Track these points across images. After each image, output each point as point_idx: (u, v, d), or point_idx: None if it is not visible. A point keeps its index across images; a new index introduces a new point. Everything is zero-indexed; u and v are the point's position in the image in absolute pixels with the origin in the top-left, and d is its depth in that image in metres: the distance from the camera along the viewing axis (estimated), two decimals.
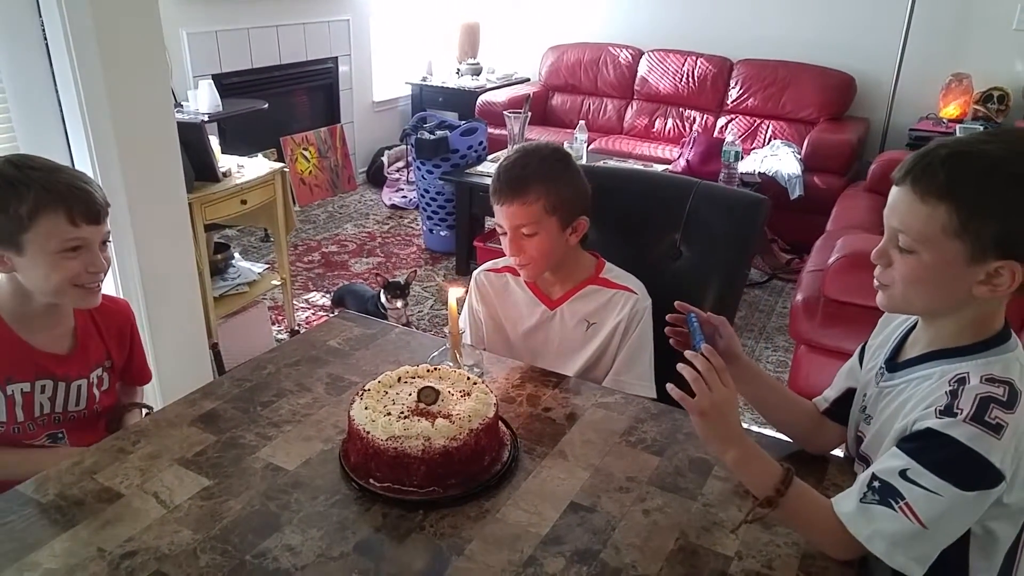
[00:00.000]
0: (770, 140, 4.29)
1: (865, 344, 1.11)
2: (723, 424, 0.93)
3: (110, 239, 1.27)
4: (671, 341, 1.09)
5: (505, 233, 1.42)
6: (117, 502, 1.00)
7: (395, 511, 1.00)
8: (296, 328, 3.07)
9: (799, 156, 3.90)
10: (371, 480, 1.02)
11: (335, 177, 4.79)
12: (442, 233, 3.90)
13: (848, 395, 1.10)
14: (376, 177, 4.97)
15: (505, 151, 3.81)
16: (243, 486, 1.04)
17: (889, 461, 0.86)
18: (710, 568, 0.92)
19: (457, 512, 1.00)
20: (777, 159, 3.84)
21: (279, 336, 3.05)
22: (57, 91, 1.91)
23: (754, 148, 4.21)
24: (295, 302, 3.23)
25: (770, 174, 3.73)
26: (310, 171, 4.61)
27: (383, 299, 2.95)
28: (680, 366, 0.95)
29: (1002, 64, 3.95)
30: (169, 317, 2.16)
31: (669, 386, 0.93)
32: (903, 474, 0.84)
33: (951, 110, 3.97)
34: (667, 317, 1.08)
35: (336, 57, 4.71)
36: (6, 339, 1.23)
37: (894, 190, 0.90)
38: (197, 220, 2.39)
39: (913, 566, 0.84)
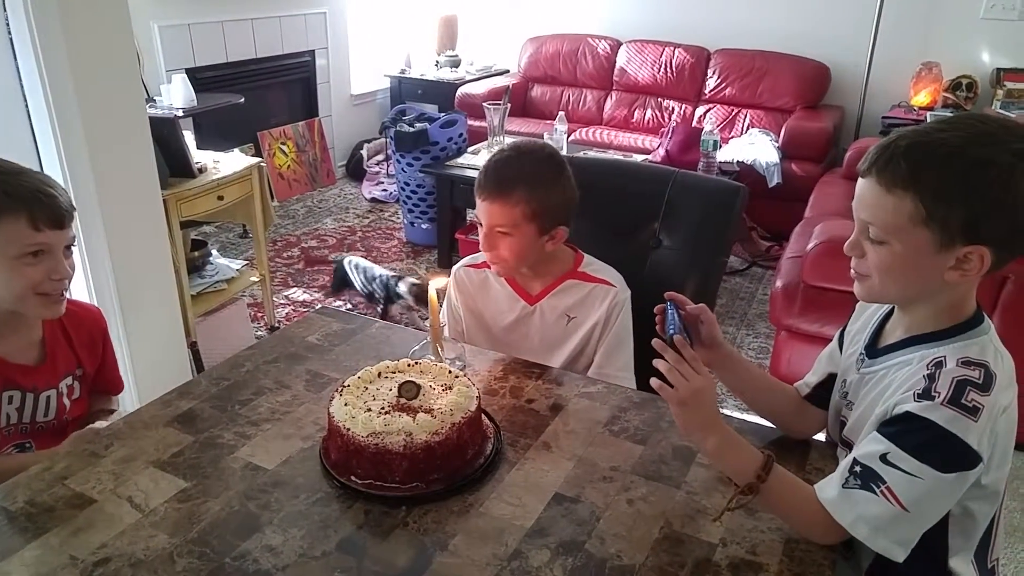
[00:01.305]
0: (748, 129, 4.31)
1: (844, 329, 1.11)
2: (702, 412, 0.93)
3: (75, 244, 1.24)
4: (658, 328, 1.09)
5: (481, 226, 1.41)
6: (89, 508, 0.97)
7: (377, 508, 0.98)
8: (276, 325, 3.04)
9: (777, 144, 3.93)
10: (352, 477, 1.01)
11: (314, 171, 4.74)
12: (423, 226, 3.88)
13: (829, 380, 1.10)
14: (356, 171, 4.93)
15: (485, 143, 3.79)
16: (222, 487, 1.02)
17: (870, 446, 0.87)
18: (695, 556, 0.92)
19: (440, 507, 0.99)
20: (755, 148, 3.85)
21: (258, 333, 3.01)
22: (23, 86, 1.86)
23: (732, 137, 4.23)
24: (275, 298, 3.19)
25: (748, 162, 3.74)
26: (288, 165, 4.56)
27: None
28: (656, 361, 0.95)
29: (970, 52, 4.00)
30: (145, 316, 2.12)
31: (652, 379, 0.93)
32: (884, 458, 0.84)
33: (922, 98, 4.01)
34: (656, 308, 1.07)
35: (313, 50, 4.65)
36: None
37: (860, 182, 0.91)
38: (172, 217, 2.36)
39: (896, 549, 0.84)
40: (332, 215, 4.35)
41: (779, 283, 2.58)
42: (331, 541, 0.93)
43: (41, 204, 1.15)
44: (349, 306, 3.17)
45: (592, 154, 3.76)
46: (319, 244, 3.93)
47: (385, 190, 4.62)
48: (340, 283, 3.09)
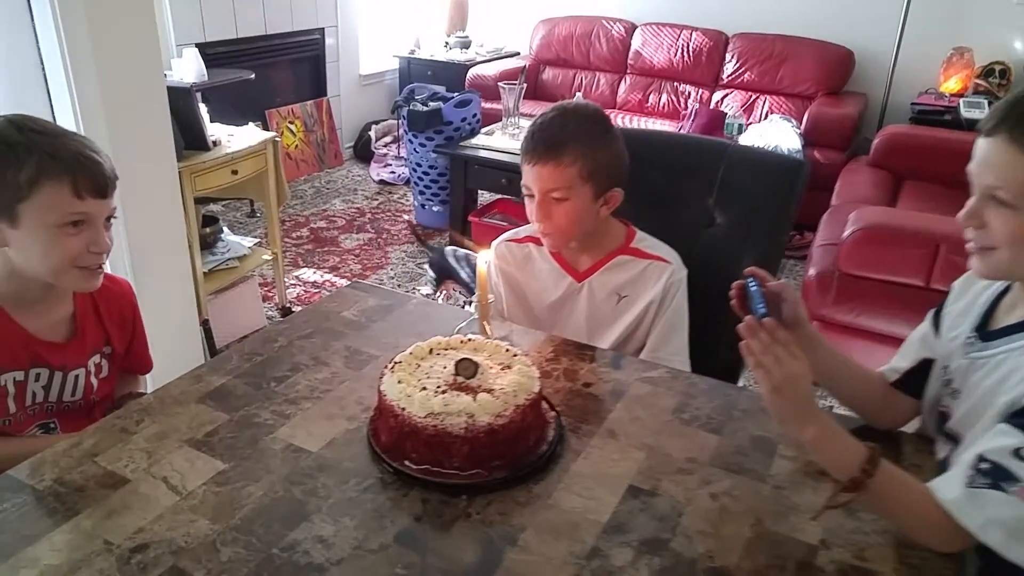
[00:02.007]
0: (767, 115, 4.21)
1: (939, 309, 1.02)
2: (798, 399, 0.85)
3: (116, 216, 1.13)
4: (733, 303, 1.00)
5: (532, 196, 1.32)
6: (123, 488, 0.89)
7: (436, 496, 0.90)
8: (287, 305, 2.94)
9: (799, 131, 3.83)
10: (407, 462, 0.92)
11: (321, 152, 4.63)
12: (434, 208, 3.77)
13: (923, 366, 1.01)
14: (363, 152, 4.82)
15: (500, 124, 3.69)
16: (262, 470, 0.93)
17: (998, 439, 0.77)
18: (795, 558, 0.83)
19: (504, 497, 0.90)
20: (777, 134, 3.75)
21: (269, 313, 2.91)
22: (40, 51, 1.77)
23: (751, 123, 4.13)
24: (285, 279, 3.09)
25: (770, 148, 3.65)
26: (296, 145, 4.44)
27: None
28: (744, 343, 0.86)
29: (1004, 38, 3.88)
30: (159, 292, 2.03)
31: (742, 346, 0.84)
32: (1018, 453, 0.75)
33: (952, 84, 3.90)
34: (734, 284, 0.99)
35: (323, 28, 4.53)
36: (1, 324, 1.10)
37: (983, 143, 0.81)
38: (186, 191, 2.26)
39: None
40: (340, 196, 4.24)
41: (812, 271, 2.49)
42: (388, 533, 0.84)
43: (85, 170, 1.04)
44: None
45: None
46: (328, 225, 3.83)
47: (393, 172, 4.51)
48: (441, 273, 2.91)
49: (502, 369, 1.00)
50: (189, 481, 0.90)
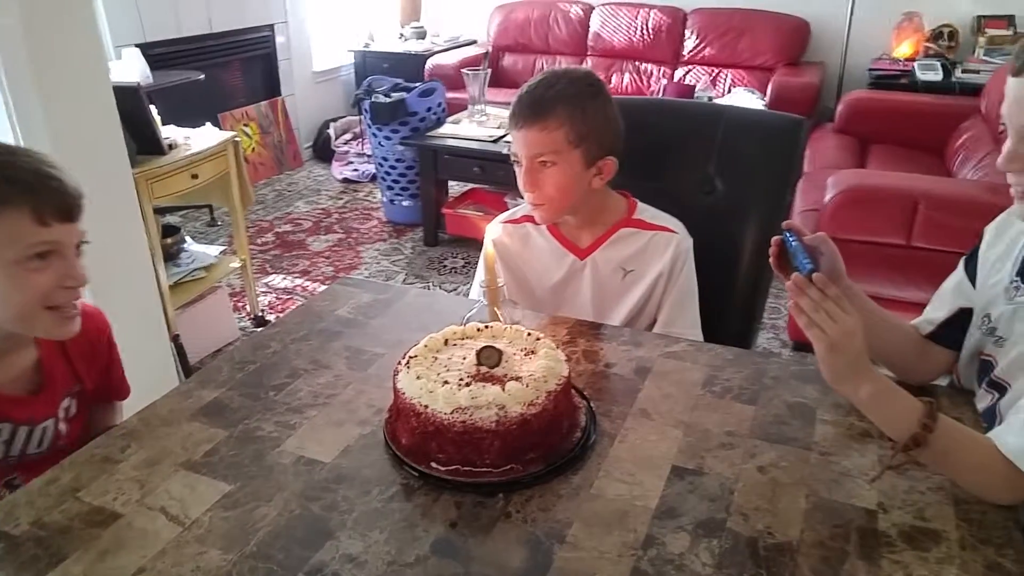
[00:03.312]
0: (730, 89, 4.21)
1: (972, 256, 0.98)
2: (852, 357, 0.80)
3: (87, 240, 0.97)
4: (771, 261, 0.95)
5: (520, 163, 1.25)
6: (114, 524, 0.79)
7: (469, 498, 0.82)
8: (260, 314, 2.81)
9: (764, 102, 3.83)
10: (432, 464, 0.84)
11: (280, 154, 4.48)
12: (404, 203, 3.67)
13: (959, 316, 0.97)
14: (323, 152, 4.67)
15: (467, 112, 3.61)
16: (274, 487, 0.84)
17: None
18: (856, 525, 0.78)
19: (544, 491, 0.83)
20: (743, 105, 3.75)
21: (242, 324, 2.79)
22: None
23: (716, 98, 4.12)
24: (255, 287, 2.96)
25: None
26: (253, 148, 4.28)
27: None
28: (793, 302, 0.82)
29: (949, 1, 3.95)
30: (123, 310, 1.87)
31: (792, 307, 0.80)
32: None
33: (904, 49, 3.96)
34: (773, 240, 0.94)
35: (272, 25, 4.37)
36: None
37: (1015, 83, 0.78)
38: (144, 199, 2.12)
39: None
40: (304, 198, 4.10)
41: None
42: (423, 543, 0.76)
43: (47, 191, 0.89)
44: None
45: None
46: (294, 228, 3.69)
47: (356, 170, 4.38)
48: None
49: (526, 355, 0.93)
50: (192, 508, 0.81)
